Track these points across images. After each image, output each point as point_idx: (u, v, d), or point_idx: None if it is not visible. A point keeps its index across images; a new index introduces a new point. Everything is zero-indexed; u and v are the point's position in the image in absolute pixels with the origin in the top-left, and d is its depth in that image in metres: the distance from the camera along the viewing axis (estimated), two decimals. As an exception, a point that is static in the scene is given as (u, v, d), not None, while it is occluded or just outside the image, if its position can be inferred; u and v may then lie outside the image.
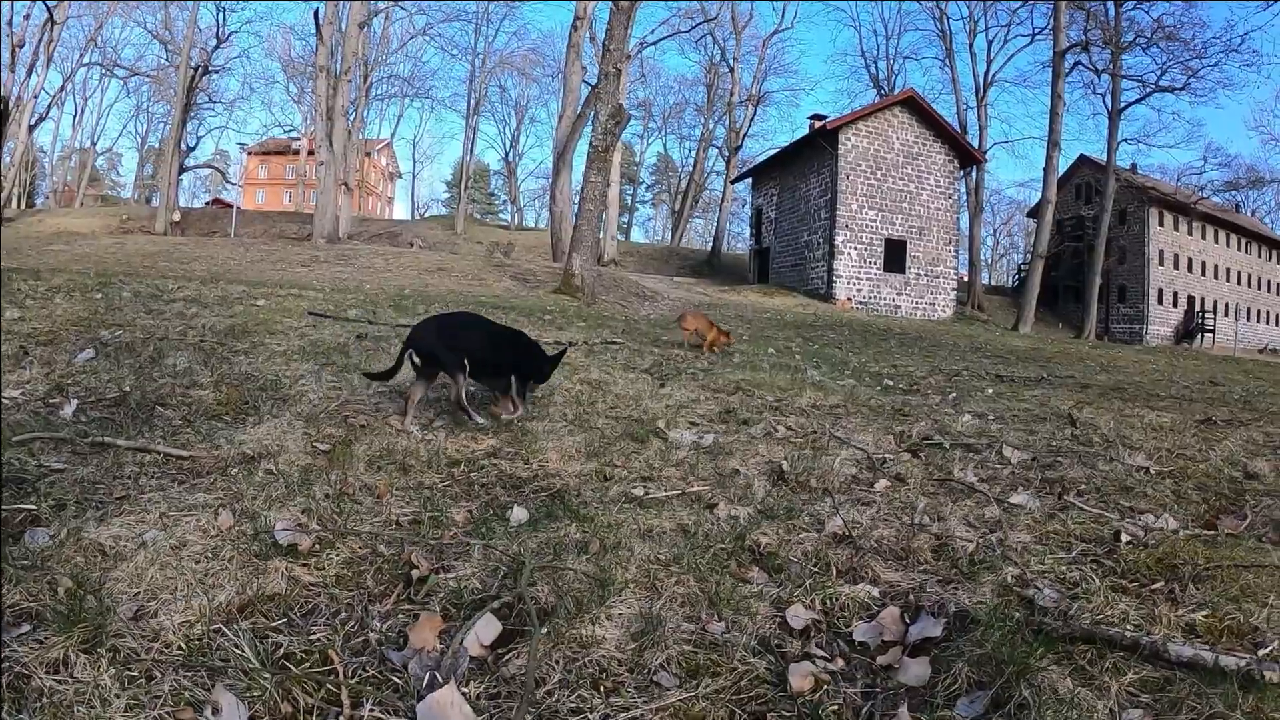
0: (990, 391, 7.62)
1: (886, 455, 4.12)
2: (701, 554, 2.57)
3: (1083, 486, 3.67)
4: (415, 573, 2.32)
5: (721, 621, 2.15)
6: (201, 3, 45.75)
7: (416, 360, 4.19)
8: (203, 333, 6.36)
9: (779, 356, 9.26)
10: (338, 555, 2.42)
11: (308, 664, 1.86)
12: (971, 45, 49.32)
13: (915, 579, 2.50)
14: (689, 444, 4.10)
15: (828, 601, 2.30)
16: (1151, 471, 4.05)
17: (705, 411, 5.07)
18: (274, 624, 2.03)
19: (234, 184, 68.63)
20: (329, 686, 1.77)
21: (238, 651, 1.84)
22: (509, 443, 3.95)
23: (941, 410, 5.88)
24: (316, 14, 33.63)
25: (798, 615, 2.20)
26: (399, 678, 1.83)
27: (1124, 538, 2.86)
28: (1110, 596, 2.36)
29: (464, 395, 4.24)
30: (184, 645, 1.88)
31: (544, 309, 13.41)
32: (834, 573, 2.52)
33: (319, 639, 1.97)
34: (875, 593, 2.38)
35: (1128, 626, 2.16)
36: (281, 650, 1.90)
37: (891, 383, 7.91)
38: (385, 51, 56.53)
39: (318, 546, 2.47)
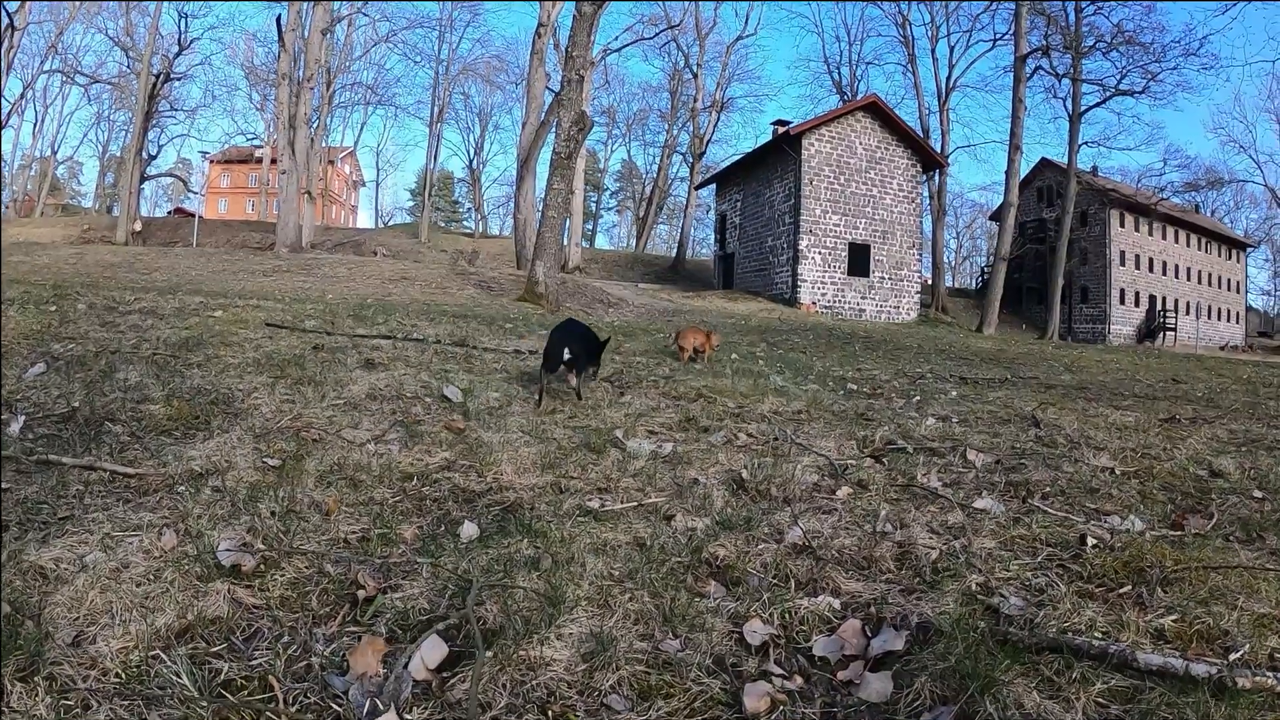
0: (954, 394, 7.61)
1: (849, 461, 4.07)
2: (657, 568, 2.48)
3: (1048, 489, 3.66)
4: (362, 593, 2.23)
5: (677, 639, 2.06)
6: (164, 4, 44.89)
7: (567, 357, 5.22)
8: (156, 345, 6.18)
9: (743, 362, 9.20)
10: (283, 576, 2.32)
11: (247, 691, 1.77)
12: (934, 50, 49.81)
13: (877, 589, 2.44)
14: (647, 453, 4.01)
15: (787, 615, 2.23)
16: (1116, 472, 4.06)
17: (665, 420, 5.00)
18: (214, 649, 1.94)
19: (196, 193, 67.89)
20: (269, 715, 1.69)
21: (176, 679, 1.76)
22: (463, 455, 3.84)
23: (905, 414, 5.86)
24: (279, 20, 33.41)
25: (755, 631, 2.12)
26: (341, 704, 1.74)
27: (1090, 541, 2.82)
28: (1077, 603, 2.31)
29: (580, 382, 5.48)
30: (121, 673, 1.80)
31: (506, 317, 13.29)
32: (794, 585, 2.44)
33: (260, 664, 1.88)
34: (836, 605, 2.31)
35: (1095, 634, 2.12)
36: (221, 677, 1.82)
37: (855, 387, 7.89)
38: (348, 58, 56.43)
39: (262, 567, 2.37)
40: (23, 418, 3.87)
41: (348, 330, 8.10)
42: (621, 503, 3.20)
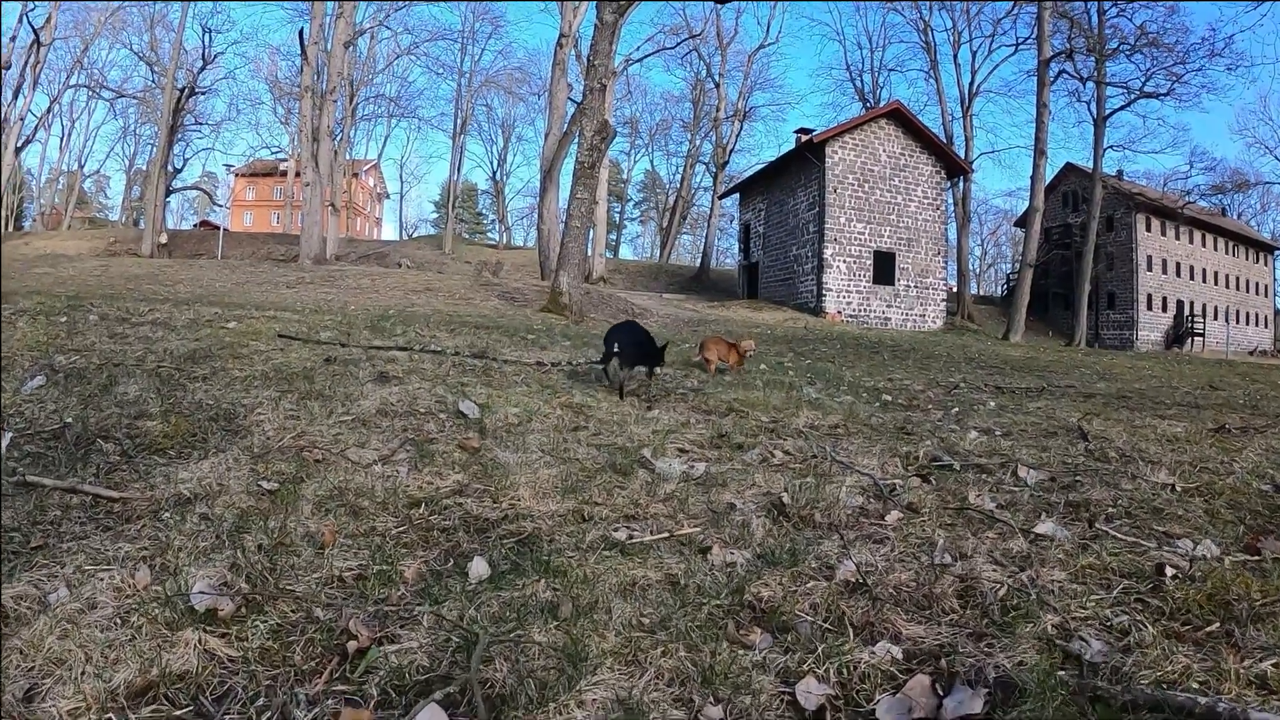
0: (992, 404, 7.30)
1: (895, 481, 3.77)
2: (693, 614, 2.19)
3: (1110, 510, 3.35)
4: (353, 644, 1.94)
5: (719, 704, 1.75)
6: (189, 20, 45.34)
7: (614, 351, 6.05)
8: (162, 358, 5.96)
9: (772, 373, 8.91)
10: (264, 622, 2.04)
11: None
12: (956, 56, 49.44)
13: (943, 634, 2.14)
14: (678, 475, 3.70)
15: (844, 670, 1.92)
16: (1178, 489, 3.75)
17: (695, 437, 4.69)
18: (178, 713, 1.69)
19: (221, 206, 68.34)
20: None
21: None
22: (477, 477, 3.54)
23: (945, 427, 5.56)
24: (301, 34, 33.64)
25: (809, 691, 1.82)
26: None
27: (1168, 571, 2.54)
28: (1166, 647, 2.04)
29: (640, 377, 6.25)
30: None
31: (529, 328, 13.05)
32: (849, 631, 2.14)
33: (230, 731, 1.60)
34: (898, 653, 2.01)
35: (1193, 683, 1.86)
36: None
37: (890, 398, 7.58)
38: (371, 71, 56.78)
39: (243, 610, 2.11)
40: (10, 434, 3.64)
41: (363, 342, 7.88)
42: (652, 533, 2.89)
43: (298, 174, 48.27)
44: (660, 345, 6.36)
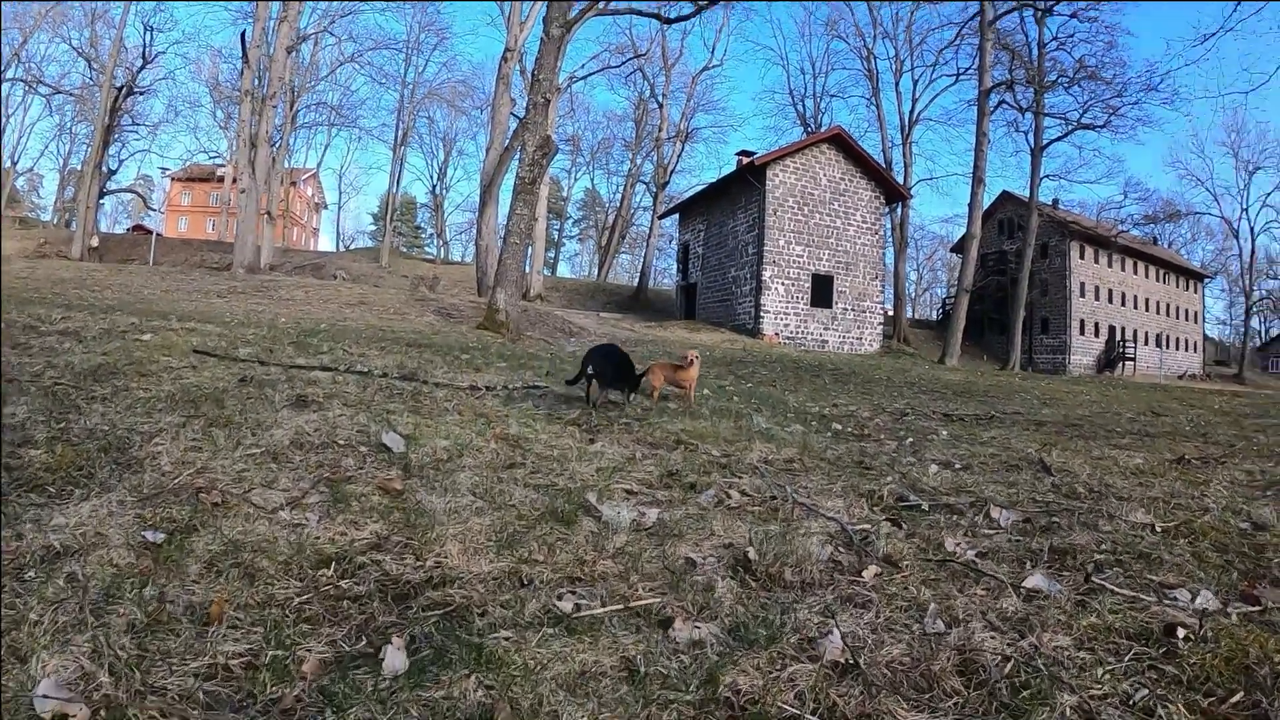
0: (944, 434, 7.09)
1: (864, 526, 3.44)
2: (659, 715, 1.81)
3: (1098, 556, 3.11)
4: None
5: None
6: (130, 17, 43.96)
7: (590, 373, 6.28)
8: (62, 373, 5.33)
9: (715, 398, 8.59)
10: (122, 734, 1.60)
11: None
12: (897, 84, 50.34)
13: (952, 727, 1.80)
14: (628, 524, 3.24)
15: (849, 792, 1.56)
16: (1158, 529, 3.55)
17: (643, 475, 4.23)
18: None
19: (156, 210, 66.09)
20: None
21: None
22: (399, 527, 3.03)
23: (903, 460, 5.32)
24: (244, 37, 32.96)
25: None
26: None
27: (1179, 632, 2.31)
28: (1197, 728, 1.73)
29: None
30: None
31: (464, 346, 12.55)
32: (847, 730, 1.78)
33: None
34: (906, 758, 1.66)
35: None
36: None
37: (840, 426, 7.31)
38: (313, 78, 55.63)
39: (102, 715, 1.66)
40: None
41: (285, 360, 7.32)
42: (602, 603, 2.45)
43: (235, 180, 46.95)
44: (641, 372, 6.57)
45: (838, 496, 3.97)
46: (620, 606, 2.43)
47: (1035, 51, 38.45)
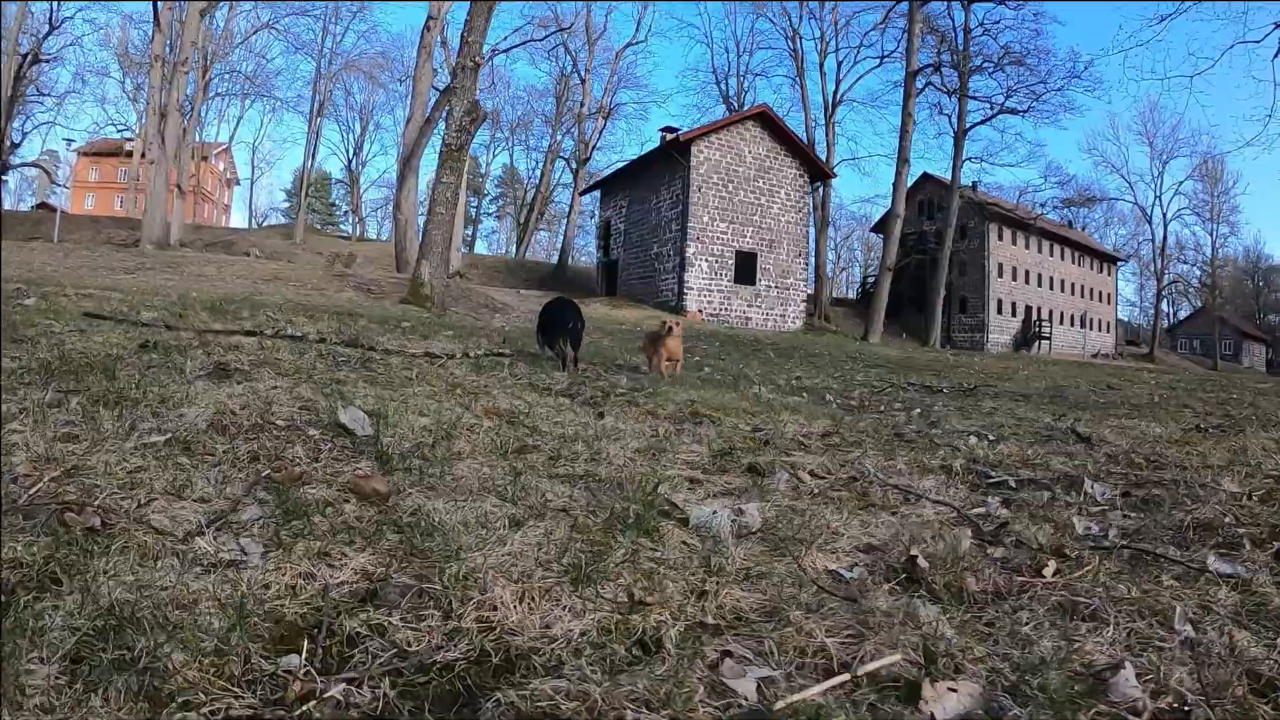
0: (940, 406, 6.64)
1: (973, 509, 2.83)
2: None
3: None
4: None
5: None
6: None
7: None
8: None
9: (686, 371, 7.91)
10: None
11: None
12: (822, 65, 50.06)
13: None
14: (727, 529, 2.33)
15: None
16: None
17: (689, 457, 3.41)
18: None
19: (61, 186, 62.04)
20: None
21: None
22: (400, 557, 1.94)
23: (933, 431, 4.75)
24: (155, -2, 30.59)
25: None
26: None
27: None
28: None
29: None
30: None
31: (395, 318, 11.61)
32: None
33: None
34: None
35: None
36: None
37: (832, 398, 6.73)
38: (228, 45, 52.59)
39: None
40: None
41: (200, 324, 6.30)
42: (785, 670, 1.50)
43: (144, 155, 44.05)
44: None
45: (914, 475, 3.35)
46: (847, 677, 1.46)
47: (961, 37, 38.85)
